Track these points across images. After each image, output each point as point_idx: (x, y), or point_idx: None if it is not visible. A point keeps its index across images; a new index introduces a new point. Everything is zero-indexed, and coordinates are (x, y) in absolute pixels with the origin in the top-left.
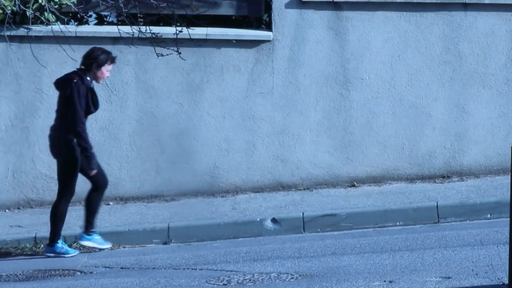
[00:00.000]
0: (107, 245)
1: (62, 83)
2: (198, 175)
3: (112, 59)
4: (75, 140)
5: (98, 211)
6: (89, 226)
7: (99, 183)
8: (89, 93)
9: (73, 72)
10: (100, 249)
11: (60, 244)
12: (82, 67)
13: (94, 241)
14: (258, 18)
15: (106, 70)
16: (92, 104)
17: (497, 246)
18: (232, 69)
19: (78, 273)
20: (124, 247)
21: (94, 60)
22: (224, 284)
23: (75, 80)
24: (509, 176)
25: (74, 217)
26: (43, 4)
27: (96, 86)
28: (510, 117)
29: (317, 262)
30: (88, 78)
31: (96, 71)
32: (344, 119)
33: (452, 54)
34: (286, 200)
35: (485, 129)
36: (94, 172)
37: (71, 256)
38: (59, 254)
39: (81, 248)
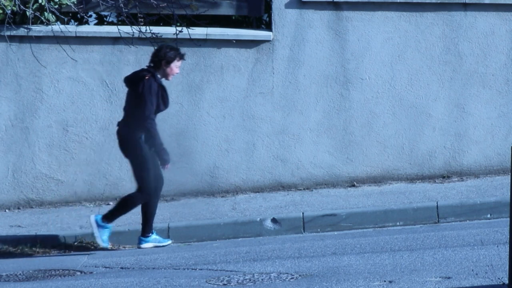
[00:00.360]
0: (168, 242)
1: (133, 80)
2: (198, 175)
3: (181, 56)
4: (143, 137)
5: (155, 213)
6: (147, 229)
7: (153, 184)
8: (160, 90)
9: (144, 69)
10: (164, 246)
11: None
12: (151, 64)
13: (153, 241)
14: (258, 18)
15: (176, 66)
16: (162, 101)
17: (497, 246)
18: (232, 69)
19: (78, 273)
20: (124, 247)
21: (163, 58)
22: (224, 284)
23: (147, 77)
24: (509, 176)
25: (74, 217)
26: (43, 4)
27: (96, 86)
28: (510, 117)
29: (317, 262)
30: (159, 76)
31: (166, 68)
32: (344, 119)
33: (452, 54)
34: (286, 200)
35: (485, 129)
36: (166, 167)
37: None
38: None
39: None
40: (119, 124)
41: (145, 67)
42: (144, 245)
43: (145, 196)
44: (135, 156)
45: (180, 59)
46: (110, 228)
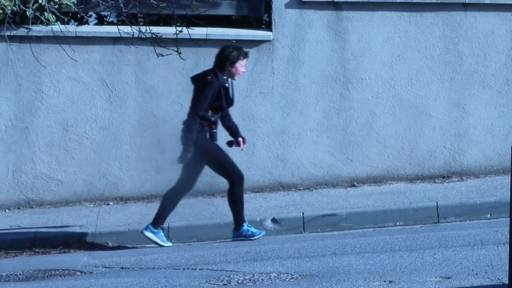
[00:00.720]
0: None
1: (197, 79)
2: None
3: (244, 54)
4: (207, 135)
5: (173, 208)
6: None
7: (183, 183)
8: (221, 90)
9: (210, 69)
10: (257, 238)
11: (245, 227)
12: (215, 66)
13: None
14: (258, 18)
15: (240, 65)
16: (225, 100)
17: (497, 246)
18: None
19: (78, 273)
20: (124, 247)
21: (226, 59)
22: (224, 284)
23: (209, 77)
24: (509, 176)
25: (74, 217)
26: (43, 4)
27: (96, 86)
28: (510, 117)
29: (317, 262)
30: (225, 77)
31: (230, 68)
32: (344, 119)
33: (452, 54)
34: (286, 200)
35: (485, 129)
36: (179, 162)
37: (257, 238)
38: (246, 237)
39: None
40: (183, 123)
41: (212, 67)
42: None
43: (238, 182)
44: (208, 155)
45: (244, 58)
46: (246, 223)
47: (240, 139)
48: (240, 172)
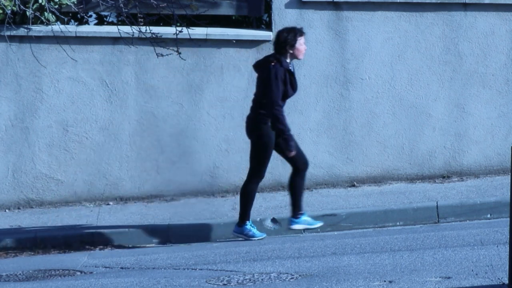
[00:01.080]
0: (319, 224)
1: (260, 66)
2: (198, 175)
3: (300, 32)
4: (269, 124)
5: (303, 193)
6: (296, 210)
7: (298, 166)
8: (287, 75)
9: (272, 55)
10: (313, 229)
11: (248, 226)
12: (276, 51)
13: (303, 223)
14: (258, 18)
15: (300, 45)
16: (290, 86)
17: (497, 246)
18: (232, 69)
19: (78, 273)
20: (124, 247)
21: (284, 43)
22: (224, 284)
23: (272, 63)
24: (509, 176)
25: (74, 217)
26: (43, 4)
27: (96, 86)
28: (510, 117)
29: (317, 262)
30: (288, 60)
31: (292, 51)
32: (344, 119)
33: (452, 54)
34: (286, 200)
35: (485, 129)
36: (292, 154)
37: (258, 240)
38: (246, 236)
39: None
40: (251, 109)
41: (274, 53)
42: (295, 226)
43: (257, 180)
44: (257, 141)
45: (300, 35)
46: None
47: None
48: (263, 174)
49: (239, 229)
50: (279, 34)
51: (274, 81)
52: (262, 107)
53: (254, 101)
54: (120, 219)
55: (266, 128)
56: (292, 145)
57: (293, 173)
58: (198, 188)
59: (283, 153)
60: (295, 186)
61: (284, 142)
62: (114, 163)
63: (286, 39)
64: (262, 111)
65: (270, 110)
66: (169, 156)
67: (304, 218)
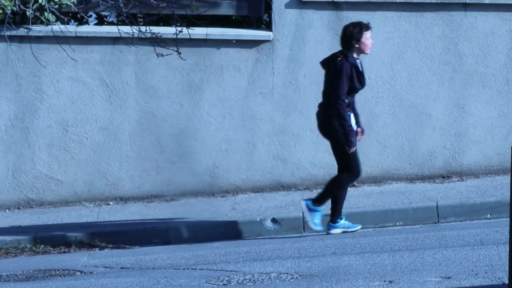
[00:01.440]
0: (358, 227)
1: (327, 62)
2: (198, 175)
3: (366, 27)
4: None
5: (344, 198)
6: (335, 214)
7: (352, 170)
8: (353, 70)
9: (339, 51)
10: (353, 231)
11: (342, 221)
12: (343, 47)
13: (342, 226)
14: (258, 18)
15: (366, 39)
16: (357, 81)
17: (497, 246)
18: (232, 69)
19: (78, 273)
20: (124, 247)
21: (350, 38)
22: (224, 284)
23: (339, 59)
24: (509, 176)
25: (74, 217)
26: (43, 4)
27: (96, 86)
28: (510, 117)
29: (317, 262)
30: (354, 55)
31: (358, 45)
32: None
33: (452, 54)
34: (286, 200)
35: (485, 129)
36: (351, 150)
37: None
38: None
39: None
40: (319, 106)
41: (341, 49)
42: (333, 231)
43: (352, 176)
44: (334, 137)
45: (366, 30)
46: (321, 211)
47: (359, 129)
48: (360, 168)
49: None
50: (345, 29)
51: (339, 76)
52: (330, 102)
53: (322, 98)
54: (120, 219)
55: (337, 124)
56: (353, 141)
57: (338, 175)
58: (198, 188)
59: (333, 150)
60: (333, 186)
61: (344, 137)
62: (114, 163)
63: (352, 34)
64: (329, 107)
65: (334, 105)
66: (169, 156)
67: (342, 222)
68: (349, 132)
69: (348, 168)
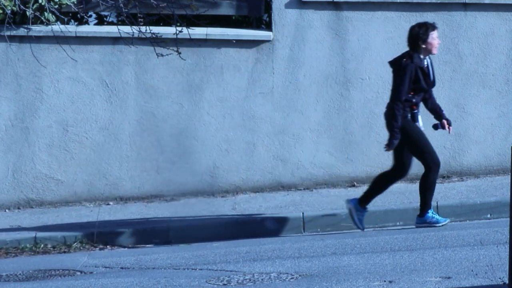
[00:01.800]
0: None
1: (395, 63)
2: (198, 175)
3: (432, 27)
4: (408, 116)
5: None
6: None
7: (397, 168)
8: (418, 71)
9: (406, 52)
10: (441, 226)
11: (430, 213)
12: (410, 48)
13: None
14: (258, 18)
15: (433, 39)
16: (423, 81)
17: (497, 246)
18: (232, 69)
19: (78, 273)
20: (124, 247)
21: (416, 39)
22: (224, 284)
23: (404, 59)
24: (509, 176)
25: (74, 217)
26: (43, 4)
27: (96, 86)
28: (510, 117)
29: (317, 262)
30: (421, 56)
31: (425, 46)
32: (344, 119)
33: (452, 54)
34: (286, 200)
35: (485, 129)
36: (387, 149)
37: (442, 225)
38: (430, 224)
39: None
40: (386, 106)
41: (408, 50)
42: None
43: (434, 168)
44: (407, 136)
45: (433, 30)
46: (430, 210)
47: (445, 121)
48: (437, 158)
49: (421, 219)
50: (411, 29)
51: (402, 77)
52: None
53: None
54: (120, 219)
55: (408, 121)
56: (394, 143)
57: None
58: (198, 188)
59: (408, 149)
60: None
61: (389, 135)
62: (114, 163)
63: (418, 34)
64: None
65: (391, 103)
66: (169, 156)
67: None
68: (395, 134)
69: (431, 160)
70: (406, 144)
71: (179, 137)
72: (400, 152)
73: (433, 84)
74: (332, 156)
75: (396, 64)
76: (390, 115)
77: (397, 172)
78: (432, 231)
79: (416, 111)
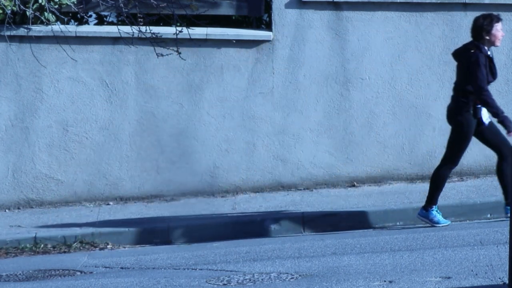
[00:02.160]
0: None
1: (460, 54)
2: (198, 175)
3: (497, 19)
4: (471, 111)
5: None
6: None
7: (503, 152)
8: (487, 61)
9: (470, 42)
10: (441, 227)
11: (434, 211)
12: (475, 39)
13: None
14: (258, 18)
15: (497, 31)
16: (490, 73)
17: (497, 246)
18: (232, 69)
19: (78, 273)
20: (124, 247)
21: (480, 30)
22: (224, 284)
23: (472, 51)
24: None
25: (74, 217)
26: (43, 4)
27: (96, 86)
28: (510, 117)
29: (317, 262)
30: (486, 47)
31: (488, 37)
32: (344, 119)
33: None
34: (286, 200)
35: None
36: (511, 134)
37: (442, 226)
38: (431, 222)
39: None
40: (451, 98)
41: (472, 41)
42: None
43: (451, 167)
44: (457, 128)
45: (497, 21)
46: (435, 207)
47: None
48: (458, 161)
49: (425, 213)
50: (476, 20)
51: (478, 68)
52: (464, 94)
53: (454, 89)
54: (120, 219)
55: (468, 116)
56: (510, 125)
57: (499, 161)
58: (198, 188)
59: (485, 140)
60: (504, 174)
61: (501, 124)
62: (114, 163)
63: (482, 25)
64: (463, 99)
65: (479, 97)
66: (169, 156)
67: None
68: (504, 118)
69: (453, 159)
70: (452, 134)
71: (179, 137)
72: (496, 135)
73: (496, 75)
74: (332, 156)
75: (464, 56)
76: (486, 107)
77: (504, 154)
78: (432, 231)
79: (479, 105)
